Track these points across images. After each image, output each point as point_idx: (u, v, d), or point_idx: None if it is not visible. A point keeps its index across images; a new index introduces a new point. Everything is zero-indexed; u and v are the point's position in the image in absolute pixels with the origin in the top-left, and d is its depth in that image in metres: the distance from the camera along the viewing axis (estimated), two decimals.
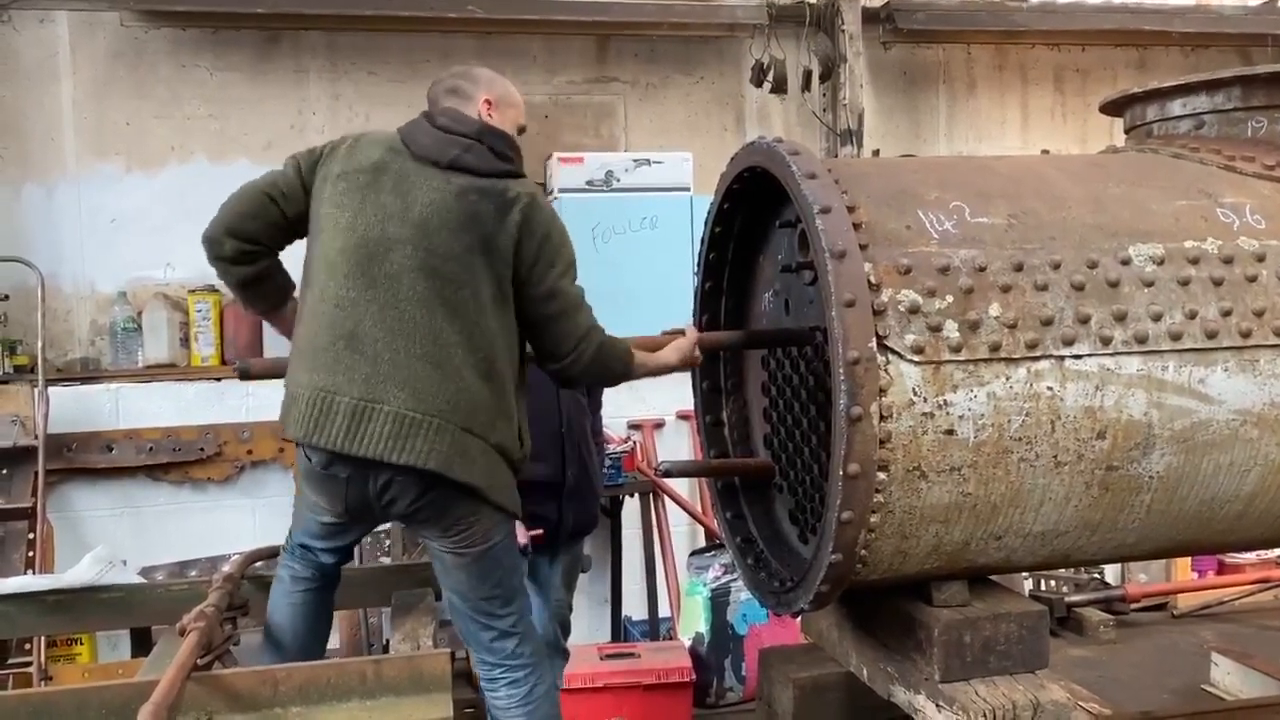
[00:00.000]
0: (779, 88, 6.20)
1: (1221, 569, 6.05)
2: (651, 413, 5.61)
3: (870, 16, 6.44)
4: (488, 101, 2.78)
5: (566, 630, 3.88)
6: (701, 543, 5.42)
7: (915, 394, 2.31)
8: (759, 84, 6.24)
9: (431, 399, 2.53)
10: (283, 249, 2.79)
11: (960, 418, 2.33)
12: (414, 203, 2.60)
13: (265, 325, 5.46)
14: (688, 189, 5.81)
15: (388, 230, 2.58)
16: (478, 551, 2.68)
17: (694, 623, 4.82)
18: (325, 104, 6.04)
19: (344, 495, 2.64)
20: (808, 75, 6.26)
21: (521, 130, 2.86)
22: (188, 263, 5.77)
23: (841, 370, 2.25)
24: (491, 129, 2.72)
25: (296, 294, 2.80)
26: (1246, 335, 2.47)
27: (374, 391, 2.52)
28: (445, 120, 2.70)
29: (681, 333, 2.92)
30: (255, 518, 5.17)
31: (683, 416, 5.59)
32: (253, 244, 2.70)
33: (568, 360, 2.71)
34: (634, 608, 5.33)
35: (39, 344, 5.05)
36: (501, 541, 2.74)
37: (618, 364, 2.79)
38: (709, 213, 3.05)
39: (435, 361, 2.54)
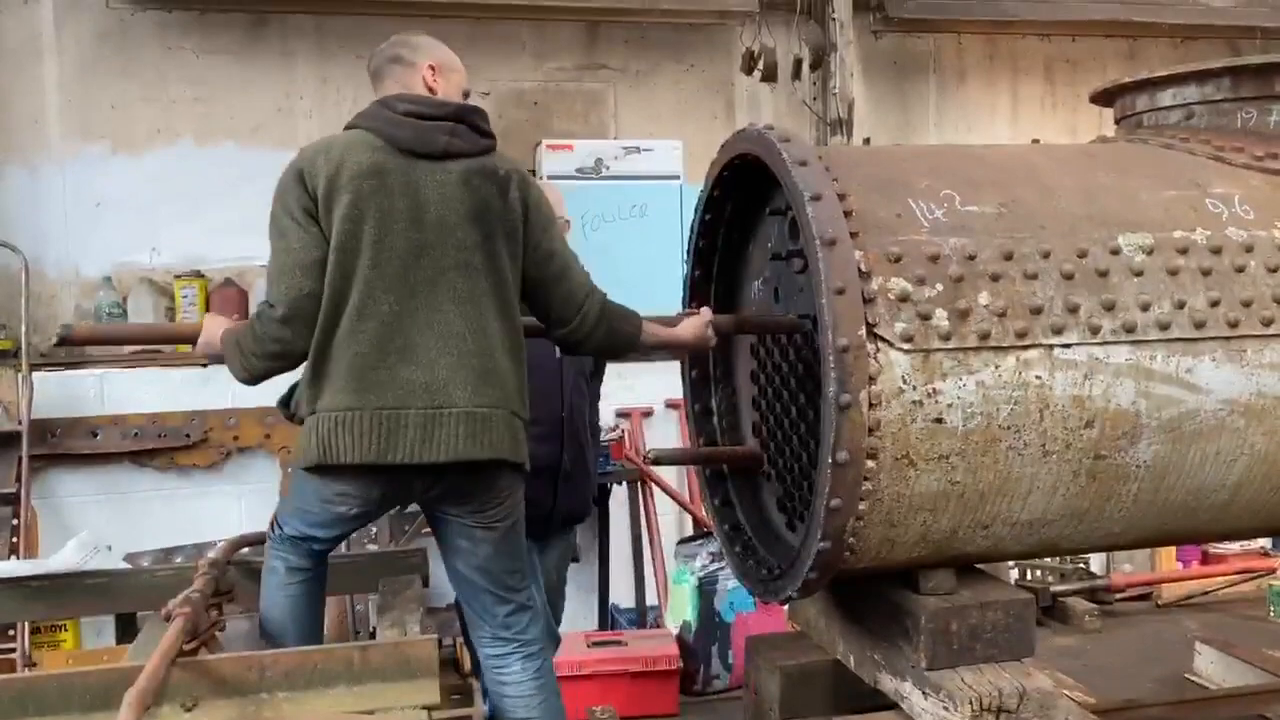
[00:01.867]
0: (769, 76, 6.18)
1: (1205, 559, 6.09)
2: (640, 401, 5.60)
3: (861, 5, 6.43)
4: (431, 68, 2.74)
5: (558, 617, 3.88)
6: (689, 531, 5.43)
7: (904, 382, 2.31)
8: (749, 72, 6.22)
9: (488, 391, 2.60)
10: None
11: (949, 406, 2.34)
12: (425, 202, 2.58)
13: (250, 310, 5.48)
14: (678, 177, 5.80)
15: (411, 236, 2.56)
16: (509, 524, 2.77)
17: (681, 611, 4.83)
18: (313, 87, 6.00)
19: (382, 490, 2.64)
20: (798, 63, 6.24)
21: (466, 95, 2.83)
22: (173, 247, 5.75)
23: (831, 358, 2.25)
24: (465, 106, 2.71)
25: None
26: (1234, 325, 2.48)
27: (438, 398, 2.55)
28: (410, 106, 2.64)
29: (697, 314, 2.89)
30: (241, 504, 5.14)
31: (671, 405, 5.59)
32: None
33: (575, 322, 2.76)
34: (621, 595, 5.34)
35: (23, 329, 5.01)
36: (522, 515, 2.84)
37: (626, 325, 2.80)
38: (699, 200, 3.04)
39: (485, 353, 2.61)
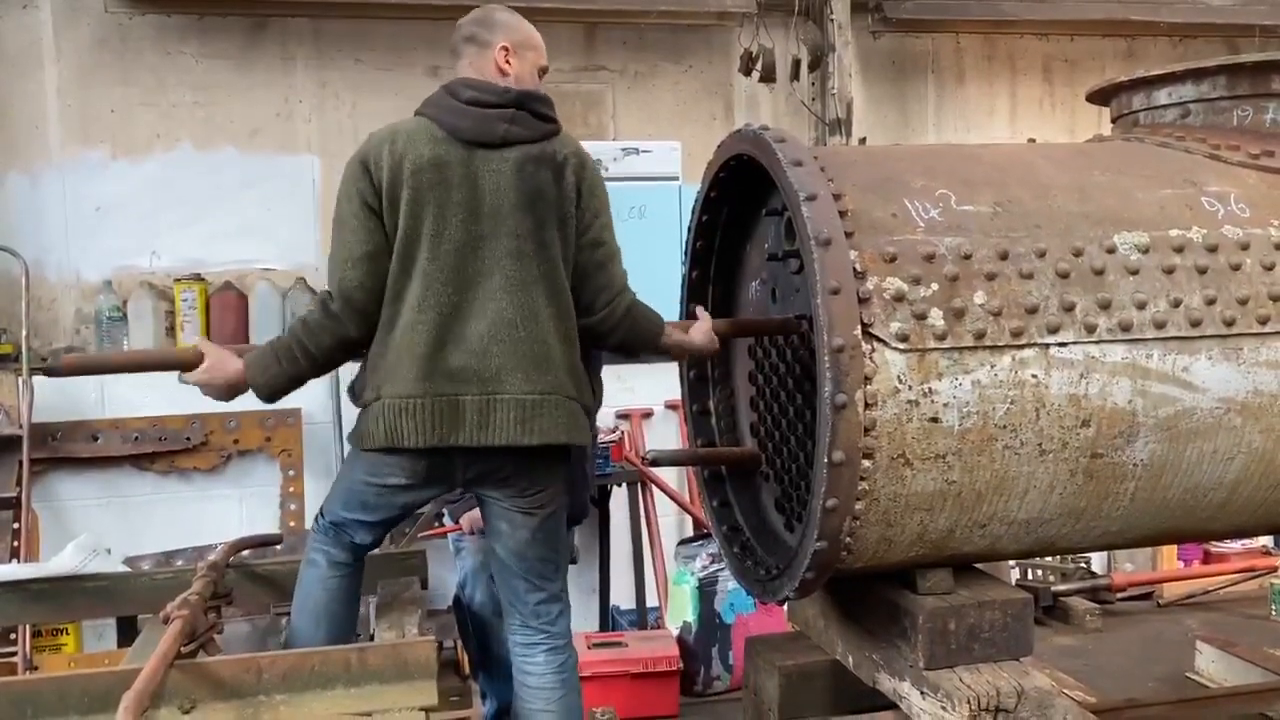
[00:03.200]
0: (768, 77, 6.18)
1: (1207, 558, 6.09)
2: (640, 402, 5.61)
3: (859, 6, 6.43)
4: (504, 48, 2.78)
5: None
6: (689, 532, 5.43)
7: (900, 381, 2.31)
8: (748, 73, 6.22)
9: (540, 378, 2.65)
10: None
11: (945, 405, 2.34)
12: (482, 193, 2.63)
13: (250, 314, 5.49)
14: (676, 178, 5.81)
15: (469, 228, 2.62)
16: (549, 511, 2.82)
17: (681, 612, 4.83)
18: (312, 91, 6.00)
19: (429, 464, 2.68)
20: (796, 64, 6.24)
21: (543, 72, 2.88)
22: (173, 251, 5.74)
23: (826, 358, 2.25)
24: (526, 93, 2.73)
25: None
26: (1230, 324, 2.48)
27: (490, 385, 2.61)
28: (473, 94, 2.68)
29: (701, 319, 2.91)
30: (242, 507, 5.15)
31: (671, 406, 5.59)
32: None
33: (604, 312, 2.79)
34: (622, 597, 5.34)
35: (23, 333, 5.02)
36: (564, 504, 2.89)
37: (650, 325, 2.84)
38: (696, 201, 3.05)
39: (537, 339, 2.66)
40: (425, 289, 2.60)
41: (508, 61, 2.77)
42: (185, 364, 2.71)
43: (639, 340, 2.87)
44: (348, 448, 2.87)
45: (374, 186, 2.61)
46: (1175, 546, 5.89)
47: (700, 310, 2.94)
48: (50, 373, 2.75)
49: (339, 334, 2.64)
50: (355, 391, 2.77)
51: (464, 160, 2.63)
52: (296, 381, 2.68)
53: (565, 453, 2.80)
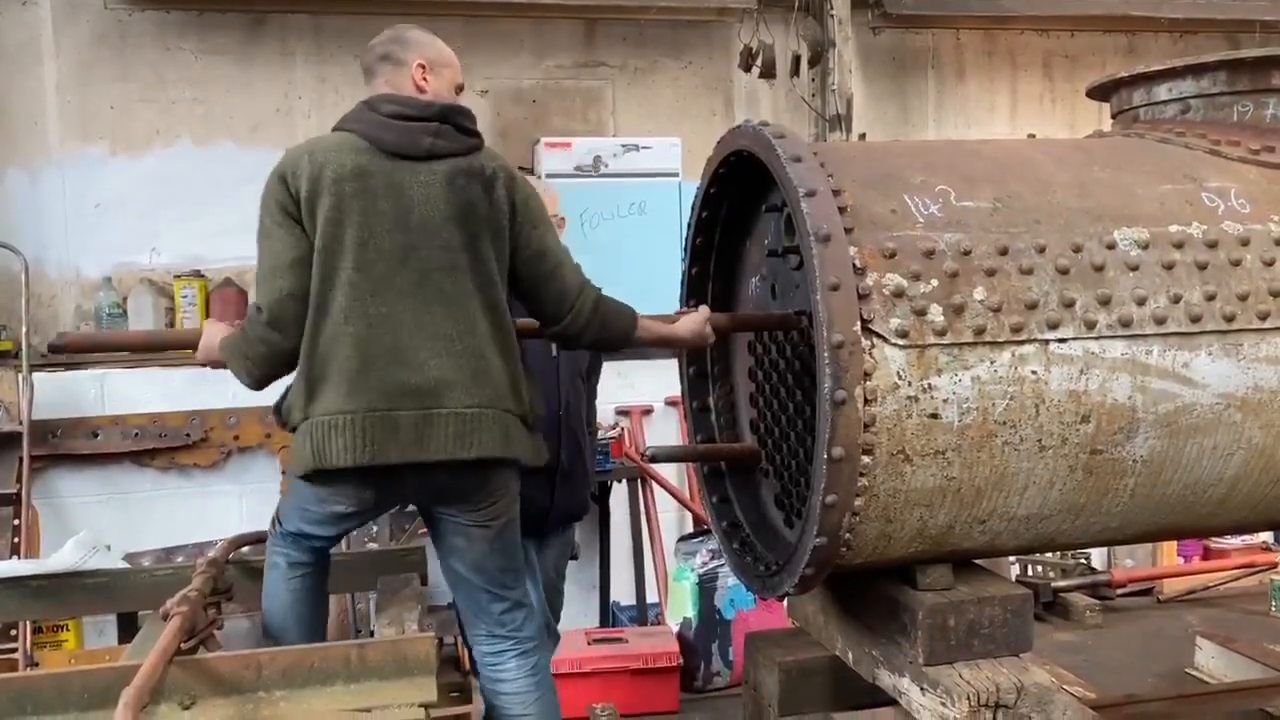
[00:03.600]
0: (768, 72, 6.18)
1: (1207, 554, 6.09)
2: (640, 399, 5.61)
3: (859, 1, 6.43)
4: (421, 65, 2.74)
5: (557, 615, 3.88)
6: (689, 528, 5.43)
7: (900, 378, 2.31)
8: (748, 69, 6.22)
9: (479, 391, 2.61)
10: None
11: (945, 401, 2.33)
12: (410, 204, 2.58)
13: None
14: (676, 174, 5.80)
15: (396, 239, 2.56)
16: (503, 522, 2.78)
17: (681, 608, 4.83)
18: (311, 87, 6.00)
19: (375, 490, 2.64)
20: (796, 60, 6.24)
21: (459, 89, 2.83)
22: (173, 247, 5.75)
23: (826, 354, 2.24)
24: (449, 106, 2.70)
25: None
26: (1230, 319, 2.47)
27: (428, 400, 2.56)
28: (394, 107, 2.64)
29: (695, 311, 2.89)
30: (242, 503, 5.15)
31: (671, 402, 5.59)
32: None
33: (569, 318, 2.76)
34: (622, 593, 5.34)
35: (23, 329, 5.02)
36: (517, 512, 2.85)
37: (621, 320, 2.81)
38: (695, 197, 3.04)
39: (475, 353, 2.61)
40: (351, 299, 2.54)
41: (425, 79, 2.73)
42: (186, 344, 2.70)
43: (612, 336, 2.84)
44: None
45: (292, 196, 2.55)
46: (1175, 542, 5.89)
47: (698, 306, 2.94)
48: (58, 349, 2.72)
49: (271, 344, 2.57)
50: (281, 413, 2.69)
51: (388, 171, 2.57)
52: (261, 380, 2.65)
53: (516, 463, 2.75)
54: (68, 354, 3.29)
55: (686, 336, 2.83)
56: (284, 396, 2.69)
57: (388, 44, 2.76)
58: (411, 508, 3.02)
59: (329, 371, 2.55)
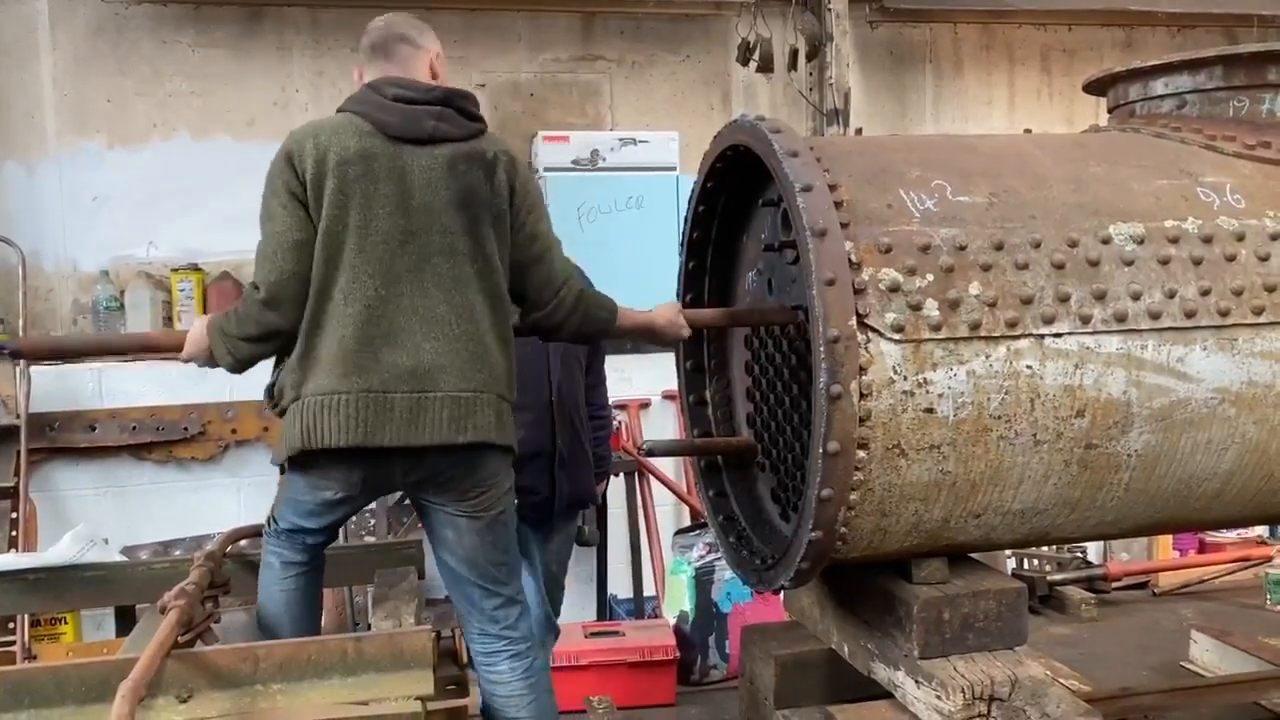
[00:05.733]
0: (765, 67, 6.17)
1: (1202, 548, 6.10)
2: (637, 393, 5.61)
3: None
4: (438, 55, 2.78)
5: (557, 607, 3.88)
6: (686, 522, 5.44)
7: (895, 372, 2.31)
8: (745, 63, 6.21)
9: (475, 375, 2.61)
10: None
11: (940, 396, 2.34)
12: (412, 187, 2.59)
13: None
14: (674, 168, 5.79)
15: (397, 222, 2.57)
16: (495, 514, 2.77)
17: (678, 601, 4.84)
18: (308, 80, 6.00)
19: (364, 473, 2.63)
20: (794, 54, 6.23)
21: None
22: (170, 241, 5.75)
23: (822, 348, 2.25)
24: (453, 90, 2.71)
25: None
26: (1225, 314, 2.48)
27: (423, 383, 2.56)
28: (398, 90, 2.65)
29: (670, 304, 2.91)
30: (240, 497, 5.16)
31: (668, 396, 5.60)
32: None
33: (551, 305, 2.77)
34: (619, 586, 5.35)
35: (20, 323, 5.02)
36: (511, 506, 2.84)
37: (601, 310, 2.83)
38: (692, 191, 3.05)
39: (471, 337, 2.62)
40: (351, 281, 2.54)
41: (440, 68, 2.78)
42: (151, 347, 2.65)
43: (593, 327, 2.87)
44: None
45: (299, 178, 2.56)
46: (1170, 536, 5.90)
47: (694, 301, 2.95)
48: (15, 355, 2.68)
49: (266, 324, 2.56)
50: (273, 395, 2.67)
51: (391, 154, 2.58)
52: (243, 362, 2.64)
53: (509, 451, 2.75)
54: (23, 360, 3.14)
55: (662, 323, 2.85)
56: (275, 378, 2.68)
57: (403, 26, 2.77)
58: (408, 502, 3.00)
59: (324, 352, 2.55)
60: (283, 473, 2.74)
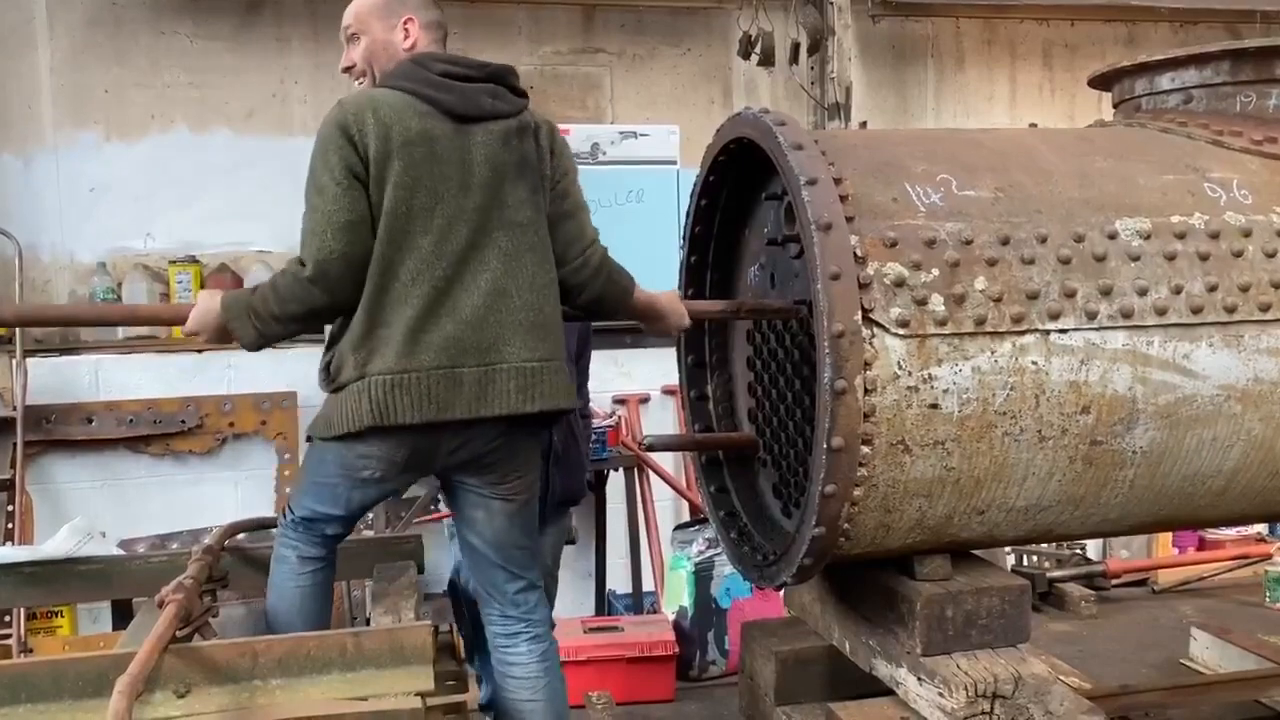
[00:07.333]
0: (767, 60, 6.15)
1: (1202, 545, 6.09)
2: (637, 387, 5.59)
3: None
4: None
5: (551, 603, 3.87)
6: (686, 517, 5.42)
7: (900, 367, 2.30)
8: (746, 56, 6.19)
9: (538, 345, 2.64)
10: None
11: (945, 391, 2.33)
12: (473, 166, 2.60)
13: None
14: (674, 162, 5.76)
15: (461, 202, 2.58)
16: (525, 499, 2.81)
17: (677, 596, 4.82)
18: (307, 73, 5.96)
19: (411, 449, 2.62)
20: (796, 48, 6.20)
21: None
22: (168, 232, 5.72)
23: (826, 343, 2.24)
24: (501, 67, 2.74)
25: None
26: (1231, 310, 2.47)
27: (489, 355, 2.58)
28: (446, 67, 2.65)
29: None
30: (238, 490, 5.14)
31: (668, 391, 5.58)
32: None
33: (577, 261, 2.78)
34: (618, 581, 5.34)
35: None
36: (536, 494, 2.88)
37: (623, 278, 2.85)
38: (694, 185, 3.03)
39: (532, 308, 2.64)
40: (420, 264, 2.54)
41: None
42: (145, 319, 2.59)
43: (613, 294, 2.85)
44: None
45: (360, 155, 2.51)
46: (1170, 533, 5.90)
47: (696, 295, 2.95)
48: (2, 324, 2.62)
49: (309, 303, 2.53)
50: (330, 372, 2.64)
51: (451, 134, 2.59)
52: (270, 340, 2.61)
53: (548, 440, 2.78)
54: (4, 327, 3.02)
55: (663, 306, 2.87)
56: (331, 357, 2.65)
57: (437, 11, 2.80)
58: (408, 496, 2.98)
59: (393, 331, 2.53)
60: (312, 449, 2.70)
